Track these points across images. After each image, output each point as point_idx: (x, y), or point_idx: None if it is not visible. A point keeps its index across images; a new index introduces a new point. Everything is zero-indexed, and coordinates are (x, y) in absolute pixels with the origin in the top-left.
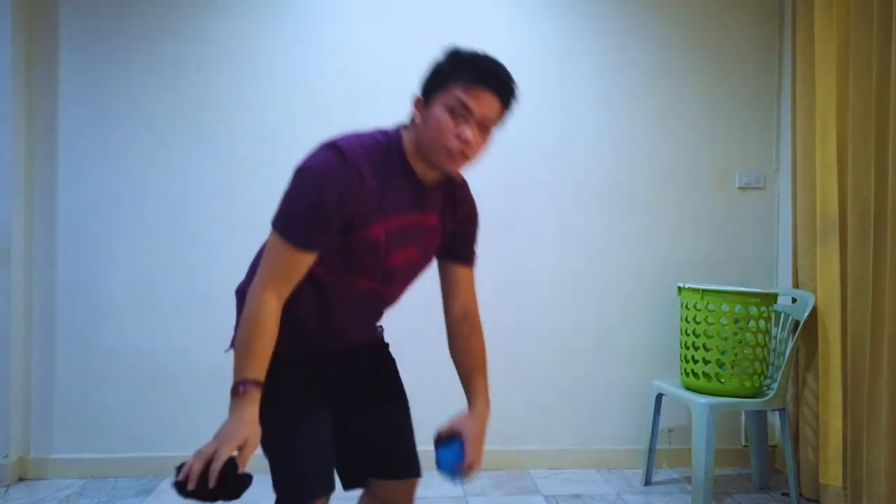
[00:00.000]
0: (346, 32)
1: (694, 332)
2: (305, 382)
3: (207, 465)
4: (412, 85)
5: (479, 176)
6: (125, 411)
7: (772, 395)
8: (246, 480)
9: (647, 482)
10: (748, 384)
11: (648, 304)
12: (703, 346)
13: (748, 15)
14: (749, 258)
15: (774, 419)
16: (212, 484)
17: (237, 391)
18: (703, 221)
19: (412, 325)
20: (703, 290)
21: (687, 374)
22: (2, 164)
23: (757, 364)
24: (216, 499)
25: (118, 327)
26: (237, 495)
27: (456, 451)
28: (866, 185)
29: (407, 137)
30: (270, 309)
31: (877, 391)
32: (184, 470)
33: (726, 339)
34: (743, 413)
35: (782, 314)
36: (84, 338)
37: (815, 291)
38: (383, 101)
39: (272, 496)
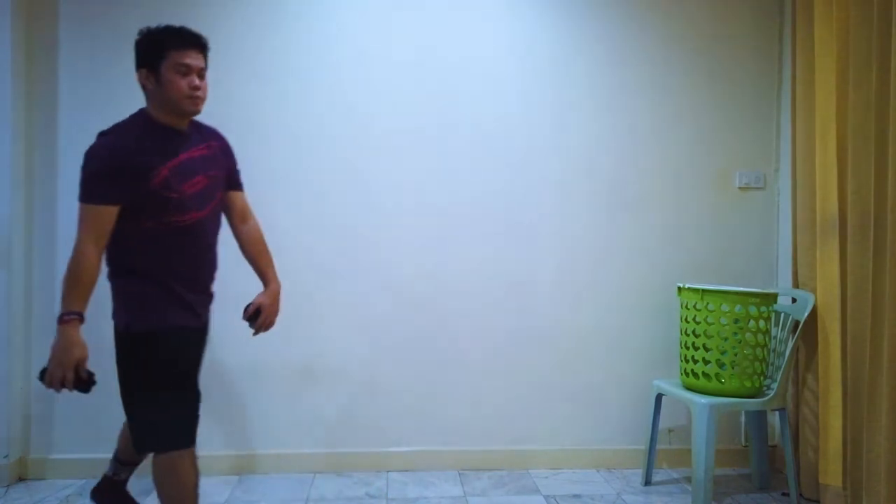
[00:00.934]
0: (342, 28)
1: (694, 332)
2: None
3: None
4: (408, 77)
5: (479, 176)
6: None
7: (772, 395)
8: (92, 378)
9: (647, 482)
10: (748, 384)
11: (648, 304)
12: (703, 346)
13: (748, 15)
14: (749, 258)
15: (774, 419)
16: (69, 389)
17: (63, 320)
18: (703, 221)
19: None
20: (703, 290)
21: (687, 374)
22: (2, 164)
23: (757, 364)
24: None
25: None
26: (89, 390)
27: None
28: (866, 185)
29: (150, 107)
30: (88, 258)
31: (877, 391)
32: (46, 383)
33: (726, 339)
34: (743, 413)
35: (782, 314)
36: (84, 338)
37: (815, 291)
38: (381, 96)
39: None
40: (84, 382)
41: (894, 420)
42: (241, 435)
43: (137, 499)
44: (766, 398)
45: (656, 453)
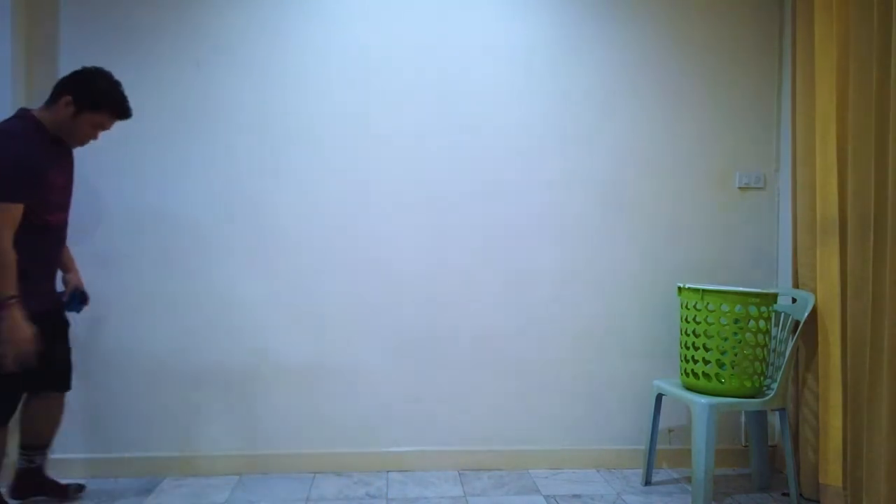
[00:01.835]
0: (341, 25)
1: (694, 332)
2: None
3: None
4: (410, 78)
5: (478, 175)
6: (125, 411)
7: (772, 395)
8: (81, 298)
9: (647, 482)
10: (748, 384)
11: (648, 304)
12: (703, 346)
13: (748, 15)
14: (749, 258)
15: (774, 419)
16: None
17: (7, 305)
18: (703, 221)
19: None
20: (703, 290)
21: (687, 374)
22: None
23: (757, 364)
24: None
25: (118, 327)
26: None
27: (78, 298)
28: (866, 185)
29: (41, 116)
30: (9, 249)
31: (877, 391)
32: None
33: (726, 339)
34: (743, 413)
35: (782, 314)
36: (84, 338)
37: (815, 291)
38: (381, 96)
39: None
40: (73, 300)
41: (894, 420)
42: (242, 435)
43: (137, 498)
44: (766, 398)
45: (656, 453)
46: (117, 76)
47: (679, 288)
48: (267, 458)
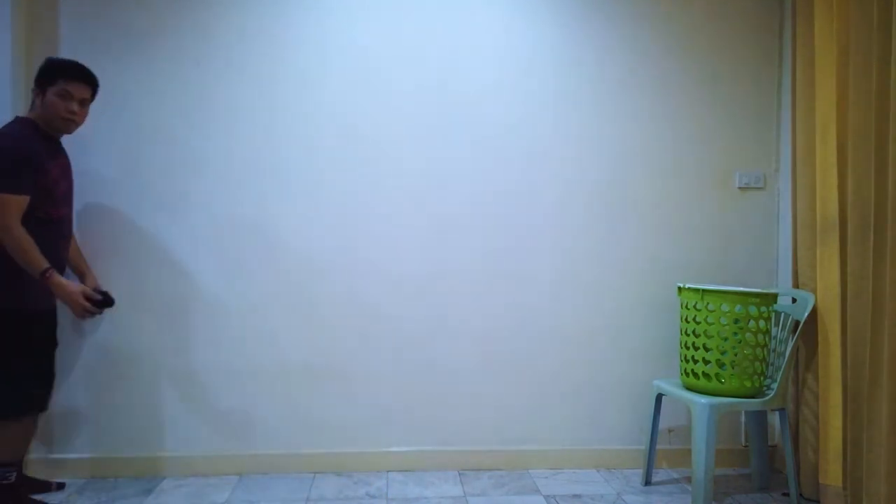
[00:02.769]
0: (345, 30)
1: (694, 332)
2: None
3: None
4: (410, 79)
5: (478, 175)
6: (125, 411)
7: (772, 395)
8: (107, 295)
9: (647, 482)
10: (748, 384)
11: (648, 304)
12: (703, 346)
13: (748, 15)
14: (749, 258)
15: (774, 419)
16: (98, 313)
17: (46, 275)
18: (703, 221)
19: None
20: (703, 290)
21: (687, 374)
22: None
23: (757, 364)
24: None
25: (117, 327)
26: (111, 303)
27: (102, 299)
28: (866, 185)
29: (34, 117)
30: (22, 235)
31: (877, 391)
32: (79, 318)
33: (726, 339)
34: (743, 413)
35: (782, 314)
36: (84, 338)
37: (815, 291)
38: (381, 96)
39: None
40: (102, 302)
41: (894, 420)
42: (241, 435)
43: (137, 498)
44: (766, 398)
45: (656, 453)
46: (116, 76)
47: (679, 288)
48: (267, 458)
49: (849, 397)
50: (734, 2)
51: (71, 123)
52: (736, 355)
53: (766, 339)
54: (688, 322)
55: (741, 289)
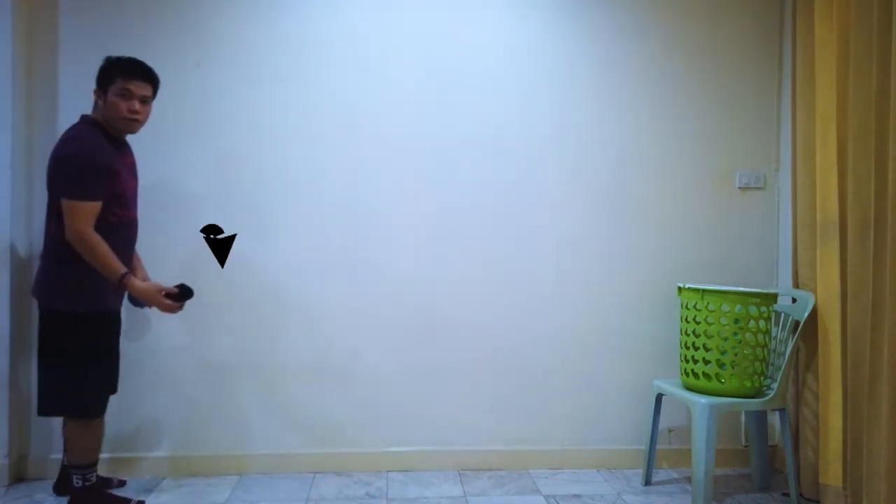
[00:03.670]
0: (346, 30)
1: (694, 332)
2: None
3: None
4: (412, 78)
5: (479, 176)
6: (125, 411)
7: (772, 395)
8: (183, 287)
9: (647, 482)
10: (748, 384)
11: (648, 304)
12: (703, 346)
13: (748, 15)
14: (749, 258)
15: (774, 419)
16: (179, 308)
17: (124, 280)
18: (703, 221)
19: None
20: (703, 290)
21: (687, 374)
22: (2, 164)
23: (757, 364)
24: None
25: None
26: (191, 293)
27: (185, 289)
28: (866, 185)
29: (98, 118)
30: (97, 241)
31: (877, 391)
32: (169, 311)
33: (726, 339)
34: (743, 413)
35: (782, 314)
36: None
37: (815, 291)
38: (382, 95)
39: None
40: (180, 295)
41: (894, 420)
42: (241, 435)
43: (137, 497)
44: (766, 398)
45: (656, 453)
46: None
47: (679, 288)
48: (267, 458)
49: (849, 397)
50: (734, 2)
51: (134, 123)
52: (736, 355)
53: (766, 339)
54: (688, 322)
55: (741, 289)
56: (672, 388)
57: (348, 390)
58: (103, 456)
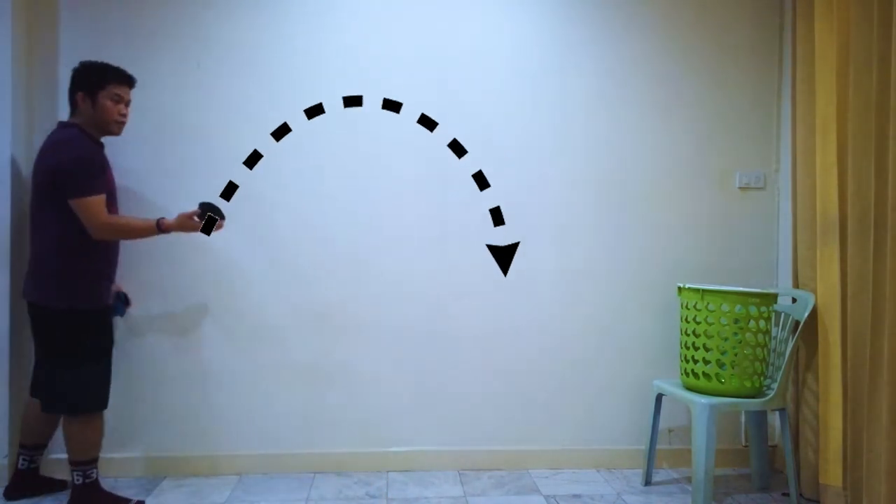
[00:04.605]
0: (345, 32)
1: (694, 332)
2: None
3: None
4: (410, 79)
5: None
6: (124, 411)
7: (772, 395)
8: (208, 208)
9: (647, 482)
10: (748, 384)
11: (648, 304)
12: (703, 346)
13: (748, 15)
14: (749, 258)
15: (774, 419)
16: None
17: (161, 225)
18: (703, 221)
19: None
20: (703, 290)
21: (687, 374)
22: (1, 164)
23: (757, 364)
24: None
25: (117, 328)
26: (216, 211)
27: (123, 301)
28: (866, 185)
29: (80, 122)
30: (117, 221)
31: (877, 391)
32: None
33: (726, 339)
34: (743, 413)
35: (782, 314)
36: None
37: (815, 291)
38: (382, 97)
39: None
40: (203, 212)
41: (894, 420)
42: (241, 435)
43: (138, 497)
44: (766, 398)
45: (656, 453)
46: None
47: (679, 288)
48: (267, 458)
49: (849, 397)
50: (734, 2)
51: (122, 125)
52: (736, 355)
53: (766, 339)
54: (688, 322)
55: (741, 289)
56: (672, 388)
57: (348, 390)
58: (105, 456)
